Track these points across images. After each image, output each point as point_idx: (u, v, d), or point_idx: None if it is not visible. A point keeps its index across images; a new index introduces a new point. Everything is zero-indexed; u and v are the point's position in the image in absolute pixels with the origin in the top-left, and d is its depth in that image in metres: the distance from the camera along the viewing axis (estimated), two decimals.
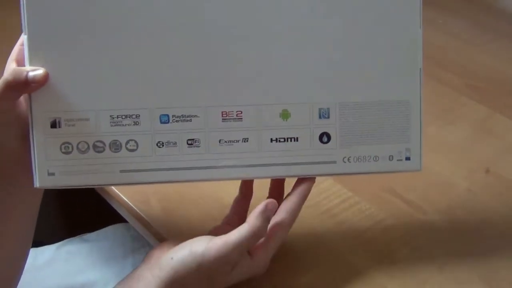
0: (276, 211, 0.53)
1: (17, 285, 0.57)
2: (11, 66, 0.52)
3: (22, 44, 0.53)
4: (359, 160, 0.55)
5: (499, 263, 0.58)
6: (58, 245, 0.79)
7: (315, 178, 0.55)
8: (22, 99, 0.52)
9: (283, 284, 0.56)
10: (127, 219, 0.66)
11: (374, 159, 0.55)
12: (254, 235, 0.50)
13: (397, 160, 0.55)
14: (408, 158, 0.56)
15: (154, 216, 0.63)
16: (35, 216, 0.57)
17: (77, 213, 0.99)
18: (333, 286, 0.56)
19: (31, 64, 0.51)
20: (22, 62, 0.52)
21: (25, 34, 0.51)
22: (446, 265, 0.58)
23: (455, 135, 0.74)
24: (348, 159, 0.55)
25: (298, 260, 0.58)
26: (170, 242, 0.54)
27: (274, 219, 0.54)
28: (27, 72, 0.50)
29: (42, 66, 0.51)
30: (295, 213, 0.54)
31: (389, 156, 0.55)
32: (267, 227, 0.52)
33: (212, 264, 0.50)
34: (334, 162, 0.55)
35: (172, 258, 0.51)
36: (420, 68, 0.55)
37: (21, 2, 0.51)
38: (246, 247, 0.51)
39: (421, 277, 0.56)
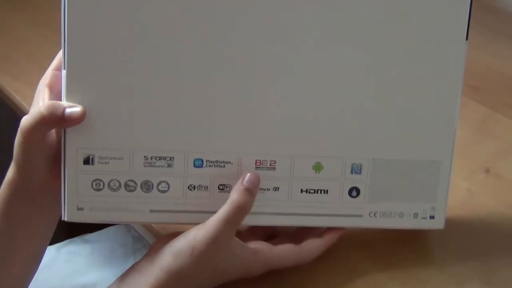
0: (258, 182, 0.53)
1: None
2: (44, 93, 0.51)
3: (55, 69, 0.52)
4: (385, 215, 0.56)
5: (499, 263, 0.58)
6: (58, 246, 0.79)
7: (344, 228, 0.56)
8: (53, 130, 0.52)
9: (282, 283, 0.56)
10: None
11: (400, 215, 0.56)
12: (237, 209, 0.50)
13: (422, 218, 0.56)
14: (432, 217, 0.56)
15: None
16: (50, 235, 0.57)
17: None
18: (333, 286, 0.56)
19: (68, 99, 0.50)
20: (55, 88, 0.52)
21: (64, 69, 0.50)
22: (446, 265, 0.58)
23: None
24: (375, 214, 0.55)
25: None
26: (171, 235, 0.54)
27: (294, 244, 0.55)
28: (64, 108, 0.49)
29: (79, 102, 0.50)
30: (314, 252, 0.55)
31: (414, 213, 0.56)
32: (251, 201, 0.52)
33: (204, 247, 0.50)
34: (361, 216, 0.55)
35: (171, 247, 0.51)
36: (455, 129, 0.55)
37: (63, 38, 0.50)
38: (234, 224, 0.51)
39: (421, 277, 0.56)
